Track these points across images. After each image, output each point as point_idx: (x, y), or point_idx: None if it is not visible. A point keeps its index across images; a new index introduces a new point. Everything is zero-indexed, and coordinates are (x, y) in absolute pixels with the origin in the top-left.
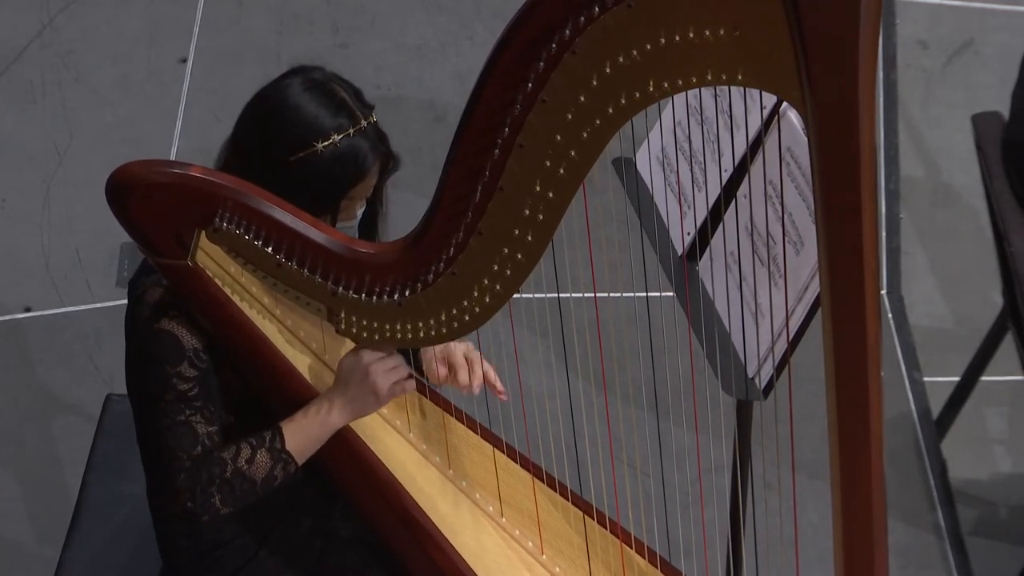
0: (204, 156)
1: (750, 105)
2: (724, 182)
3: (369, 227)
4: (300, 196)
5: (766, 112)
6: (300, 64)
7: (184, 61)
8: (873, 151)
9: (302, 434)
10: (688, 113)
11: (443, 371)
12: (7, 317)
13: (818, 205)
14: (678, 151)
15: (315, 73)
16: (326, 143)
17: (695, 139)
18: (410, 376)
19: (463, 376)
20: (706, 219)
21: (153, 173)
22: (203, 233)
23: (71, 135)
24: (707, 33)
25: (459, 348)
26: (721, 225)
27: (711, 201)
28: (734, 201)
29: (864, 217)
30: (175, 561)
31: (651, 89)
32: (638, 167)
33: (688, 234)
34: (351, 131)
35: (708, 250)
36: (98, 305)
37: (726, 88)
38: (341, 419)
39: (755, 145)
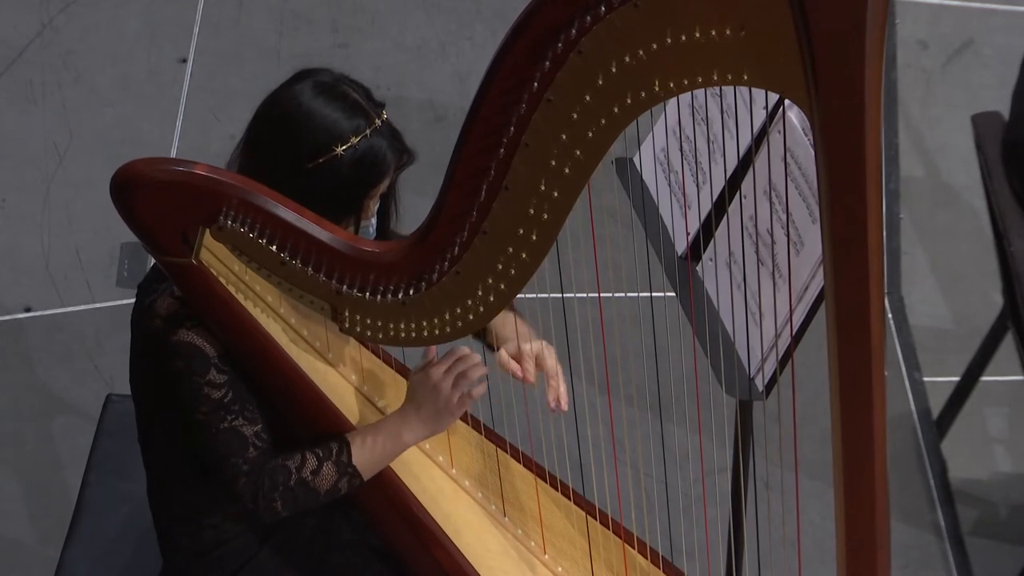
0: (204, 156)
1: (751, 106)
2: (724, 182)
3: (383, 222)
4: (322, 201)
5: (767, 113)
6: (304, 67)
7: (184, 61)
8: (879, 152)
9: (372, 451)
10: (691, 113)
11: (529, 365)
12: (7, 317)
13: (823, 206)
14: (682, 151)
15: (323, 75)
16: (345, 146)
17: (695, 139)
18: (481, 379)
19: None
20: (706, 219)
21: (158, 171)
22: (207, 231)
23: (71, 135)
24: (713, 33)
25: (535, 347)
26: (721, 226)
27: (712, 201)
28: (734, 201)
29: (870, 218)
30: (175, 561)
31: (656, 89)
32: (640, 167)
33: (689, 234)
34: (368, 132)
35: (708, 251)
36: (98, 305)
37: (727, 88)
38: (414, 437)
39: (756, 146)
